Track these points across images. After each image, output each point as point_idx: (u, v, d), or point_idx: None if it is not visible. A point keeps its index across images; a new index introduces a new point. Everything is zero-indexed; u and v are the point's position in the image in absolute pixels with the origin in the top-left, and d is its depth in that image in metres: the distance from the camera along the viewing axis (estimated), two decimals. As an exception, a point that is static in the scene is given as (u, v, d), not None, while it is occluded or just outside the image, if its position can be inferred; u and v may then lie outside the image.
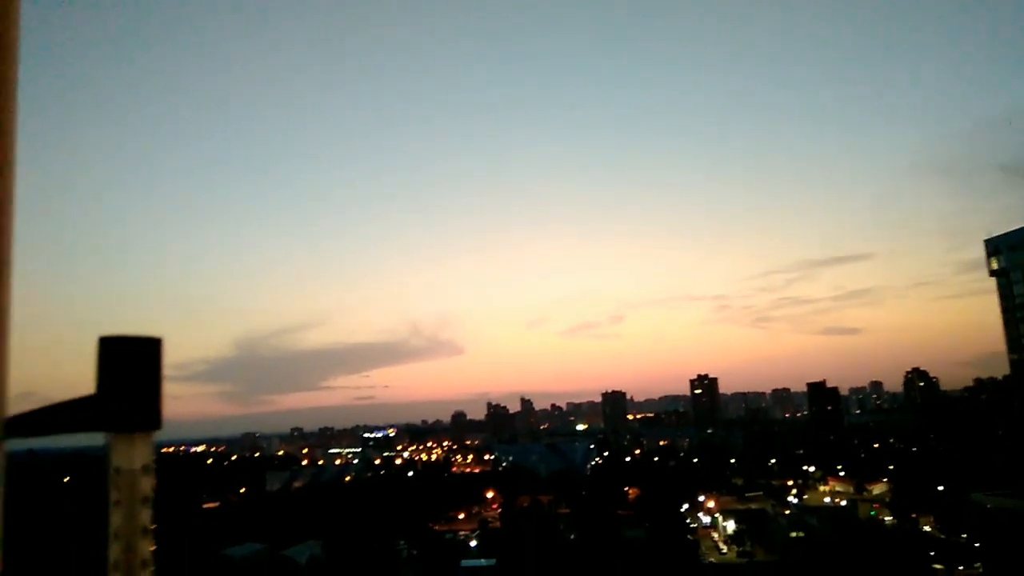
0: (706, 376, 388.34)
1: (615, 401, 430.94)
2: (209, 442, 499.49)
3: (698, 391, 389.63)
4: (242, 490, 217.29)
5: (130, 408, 2.31)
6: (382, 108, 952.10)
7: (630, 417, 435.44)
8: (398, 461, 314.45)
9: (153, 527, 2.38)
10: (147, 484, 2.37)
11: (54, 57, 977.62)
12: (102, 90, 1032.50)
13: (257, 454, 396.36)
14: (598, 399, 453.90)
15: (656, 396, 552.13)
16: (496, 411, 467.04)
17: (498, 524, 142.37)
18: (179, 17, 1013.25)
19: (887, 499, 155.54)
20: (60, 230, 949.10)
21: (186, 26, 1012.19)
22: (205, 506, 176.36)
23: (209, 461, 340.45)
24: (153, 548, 2.38)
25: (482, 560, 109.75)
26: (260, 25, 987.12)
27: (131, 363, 2.32)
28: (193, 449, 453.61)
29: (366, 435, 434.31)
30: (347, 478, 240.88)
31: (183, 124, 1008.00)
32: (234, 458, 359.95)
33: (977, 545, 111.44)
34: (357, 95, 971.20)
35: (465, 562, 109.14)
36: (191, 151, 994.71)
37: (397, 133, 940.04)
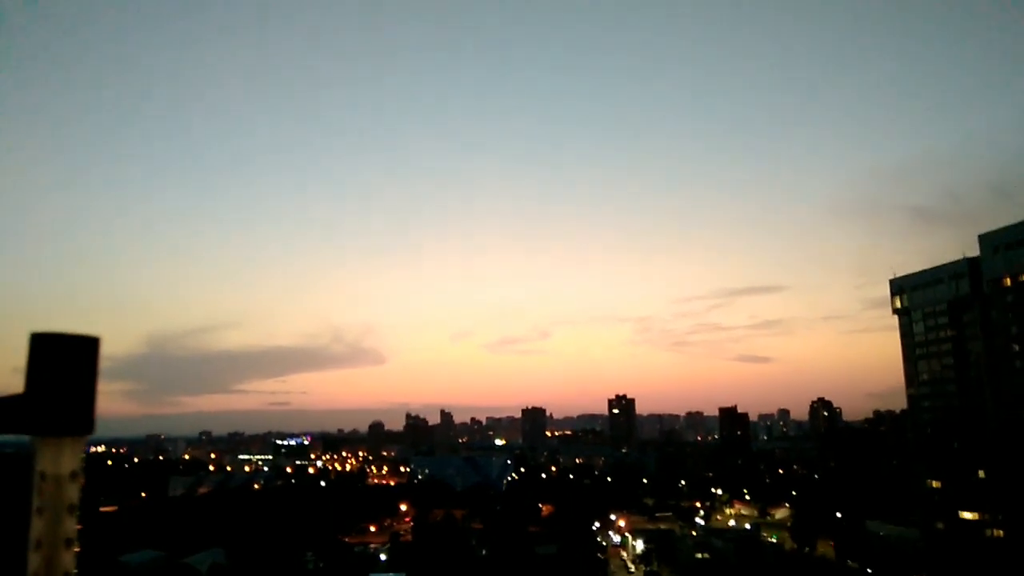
0: (624, 396, 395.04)
1: (535, 417, 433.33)
2: (110, 443, 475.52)
3: (616, 411, 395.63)
4: (143, 494, 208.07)
5: (61, 410, 2.16)
6: (315, 110, 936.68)
7: (548, 434, 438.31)
8: (311, 470, 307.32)
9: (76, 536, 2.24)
10: (74, 491, 2.22)
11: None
12: (27, 71, 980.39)
13: (161, 457, 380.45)
14: (518, 415, 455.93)
15: (575, 414, 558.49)
16: (415, 422, 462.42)
17: (410, 538, 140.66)
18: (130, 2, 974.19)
19: (789, 523, 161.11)
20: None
21: (127, 10, 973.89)
22: (102, 510, 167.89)
23: (109, 463, 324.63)
24: (75, 561, 2.22)
25: (391, 574, 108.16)
26: (191, 15, 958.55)
27: (65, 363, 2.17)
28: (92, 449, 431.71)
29: (279, 442, 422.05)
30: (256, 485, 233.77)
31: (102, 111, 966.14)
32: (136, 460, 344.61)
33: (869, 570, 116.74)
34: (287, 95, 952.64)
35: (374, 575, 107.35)
36: (111, 139, 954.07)
37: (328, 137, 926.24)
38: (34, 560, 2.15)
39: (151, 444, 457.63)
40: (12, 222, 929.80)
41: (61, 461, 2.19)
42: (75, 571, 2.21)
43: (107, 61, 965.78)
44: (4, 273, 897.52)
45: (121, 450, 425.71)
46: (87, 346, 2.24)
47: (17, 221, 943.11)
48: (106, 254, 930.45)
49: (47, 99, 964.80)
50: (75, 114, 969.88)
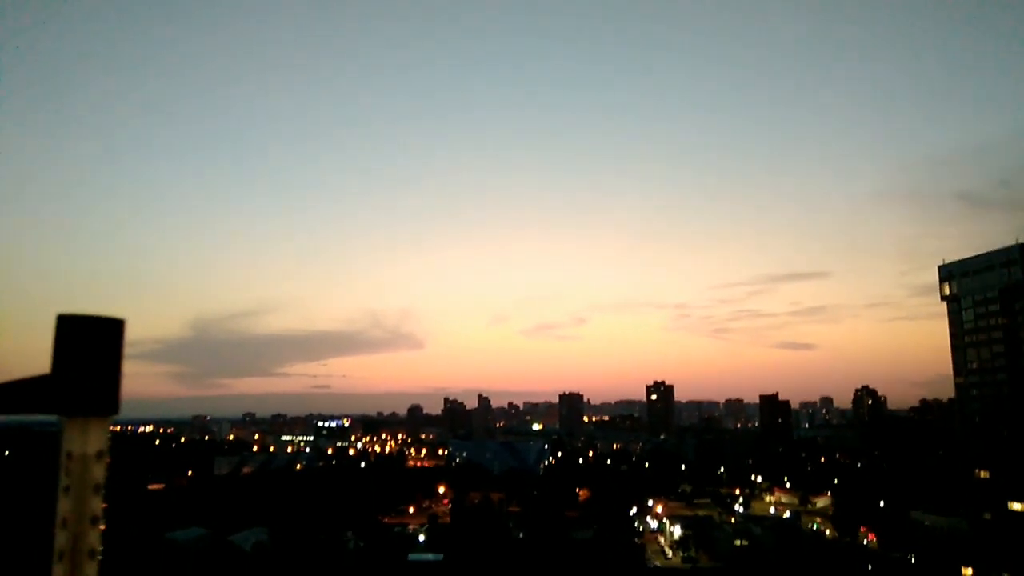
0: (662, 383, 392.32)
1: (572, 403, 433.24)
2: (158, 423, 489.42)
3: (653, 397, 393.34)
4: (189, 473, 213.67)
5: (87, 391, 2.18)
6: (354, 98, 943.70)
7: (585, 419, 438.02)
8: (351, 452, 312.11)
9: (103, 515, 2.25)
10: (100, 471, 2.25)
11: (6, 24, 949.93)
12: (61, 60, 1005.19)
13: (207, 437, 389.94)
14: (555, 400, 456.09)
15: (612, 400, 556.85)
16: (453, 406, 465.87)
17: (448, 519, 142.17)
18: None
19: (830, 512, 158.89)
20: (14, 205, 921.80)
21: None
22: (150, 488, 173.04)
23: (157, 442, 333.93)
24: (102, 538, 2.25)
25: (429, 555, 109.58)
26: (230, 4, 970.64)
27: (90, 344, 2.19)
28: (141, 429, 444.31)
29: (320, 424, 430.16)
30: (298, 466, 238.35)
31: (146, 99, 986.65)
32: (183, 440, 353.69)
33: (914, 560, 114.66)
34: (330, 83, 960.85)
35: (412, 556, 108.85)
36: (155, 128, 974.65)
37: (368, 123, 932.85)
38: (61, 537, 2.18)
39: (197, 425, 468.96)
40: (60, 210, 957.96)
41: (87, 441, 2.22)
42: (100, 548, 2.23)
43: (152, 41, 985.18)
44: (53, 260, 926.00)
45: (168, 430, 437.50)
46: (112, 328, 2.25)
47: (65, 209, 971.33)
48: (152, 241, 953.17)
49: (92, 81, 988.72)
50: (116, 96, 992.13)
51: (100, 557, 2.23)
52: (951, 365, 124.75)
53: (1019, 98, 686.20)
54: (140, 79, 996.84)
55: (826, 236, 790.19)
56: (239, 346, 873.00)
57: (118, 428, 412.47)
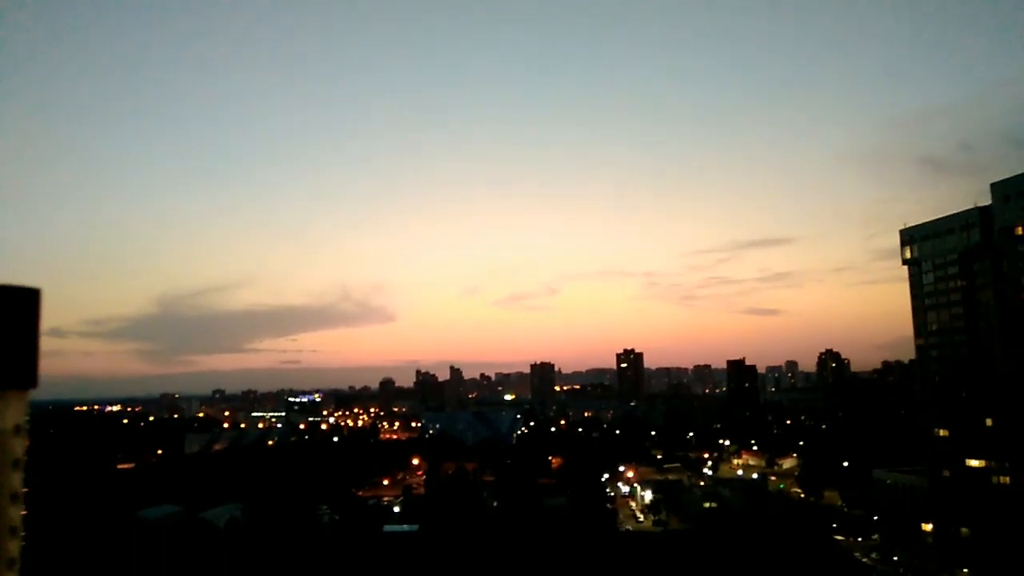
0: (632, 351, 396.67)
1: (543, 372, 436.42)
2: (125, 402, 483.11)
3: (624, 365, 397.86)
4: (159, 452, 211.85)
5: (2, 363, 2.08)
6: (322, 66, 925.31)
7: (557, 388, 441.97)
8: (324, 426, 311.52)
9: (24, 491, 2.15)
10: (19, 446, 2.17)
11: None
12: (24, 30, 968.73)
13: (176, 416, 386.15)
14: (527, 370, 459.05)
15: (583, 369, 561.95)
16: (425, 379, 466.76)
17: (422, 491, 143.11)
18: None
19: (796, 473, 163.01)
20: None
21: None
22: (120, 467, 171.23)
23: (125, 421, 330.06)
24: (23, 513, 2.17)
25: (405, 526, 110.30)
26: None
27: (4, 315, 2.09)
28: (108, 408, 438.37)
29: (291, 399, 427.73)
30: (270, 442, 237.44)
31: (114, 77, 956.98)
32: (151, 419, 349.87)
33: (876, 518, 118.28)
34: (294, 51, 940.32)
35: (388, 527, 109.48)
36: (121, 104, 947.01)
37: (335, 98, 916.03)
38: None
39: (165, 403, 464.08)
40: (24, 184, 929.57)
41: (5, 415, 2.13)
42: (21, 526, 2.16)
43: (128, 22, 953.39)
44: (15, 235, 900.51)
45: (136, 409, 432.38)
46: (27, 297, 2.14)
47: (28, 183, 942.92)
48: (115, 216, 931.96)
49: (66, 62, 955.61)
50: (89, 76, 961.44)
51: (21, 535, 2.15)
52: (912, 328, 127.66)
53: (980, 61, 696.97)
54: (106, 55, 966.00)
55: (792, 201, 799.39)
56: (207, 322, 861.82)
57: (84, 408, 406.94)
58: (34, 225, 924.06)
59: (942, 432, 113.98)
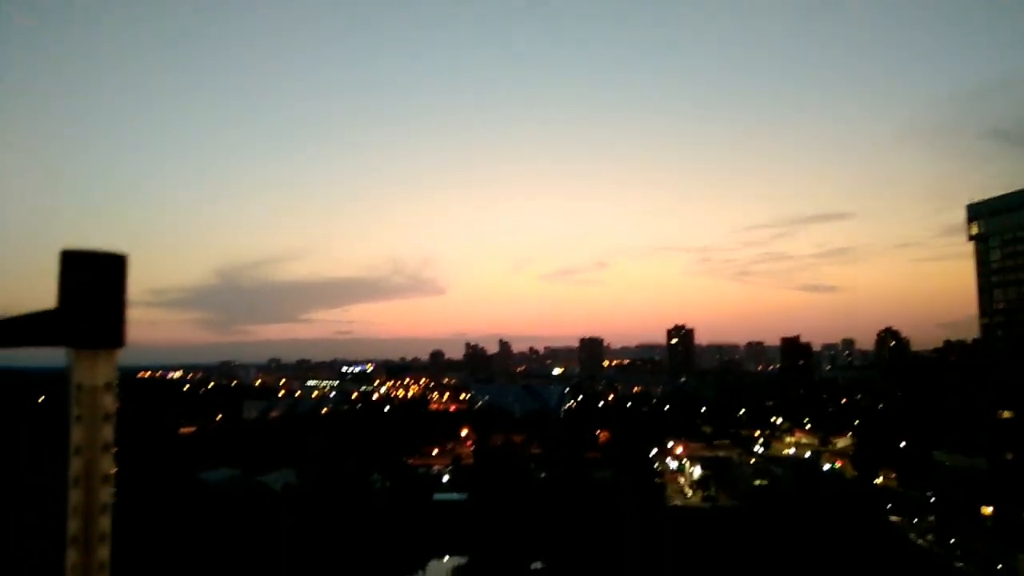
0: (683, 326, 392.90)
1: (592, 347, 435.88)
2: (187, 368, 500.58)
3: (674, 341, 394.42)
4: (219, 417, 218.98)
5: (93, 324, 2.27)
6: (373, 41, 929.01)
7: (606, 364, 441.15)
8: (375, 396, 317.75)
9: (115, 446, 2.34)
10: (109, 401, 2.35)
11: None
12: (85, 8, 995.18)
13: (234, 383, 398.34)
14: (575, 344, 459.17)
15: (633, 344, 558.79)
16: (474, 351, 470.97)
17: (471, 461, 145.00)
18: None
19: (850, 453, 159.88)
20: (44, 156, 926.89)
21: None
22: (182, 431, 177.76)
23: (186, 387, 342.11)
24: (115, 465, 2.36)
25: (454, 494, 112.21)
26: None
27: (94, 278, 2.26)
28: (170, 375, 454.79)
29: (344, 369, 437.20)
30: (324, 410, 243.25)
31: (169, 45, 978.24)
32: (211, 385, 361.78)
33: (933, 500, 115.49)
34: (349, 26, 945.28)
35: (438, 495, 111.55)
36: (178, 75, 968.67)
37: (387, 68, 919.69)
38: (76, 464, 2.30)
39: (224, 370, 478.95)
40: (89, 161, 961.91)
41: (96, 373, 2.31)
42: (113, 473, 2.36)
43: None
44: (83, 210, 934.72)
45: (197, 375, 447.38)
46: (115, 263, 2.32)
47: (94, 159, 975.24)
48: (178, 191, 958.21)
49: (118, 29, 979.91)
50: (151, 51, 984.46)
51: (113, 484, 2.36)
52: (976, 306, 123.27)
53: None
54: (168, 27, 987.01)
55: (851, 176, 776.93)
56: (263, 293, 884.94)
57: (148, 374, 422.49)
58: (100, 198, 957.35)
59: (1006, 414, 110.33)
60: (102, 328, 2.27)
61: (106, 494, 2.31)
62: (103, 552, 2.37)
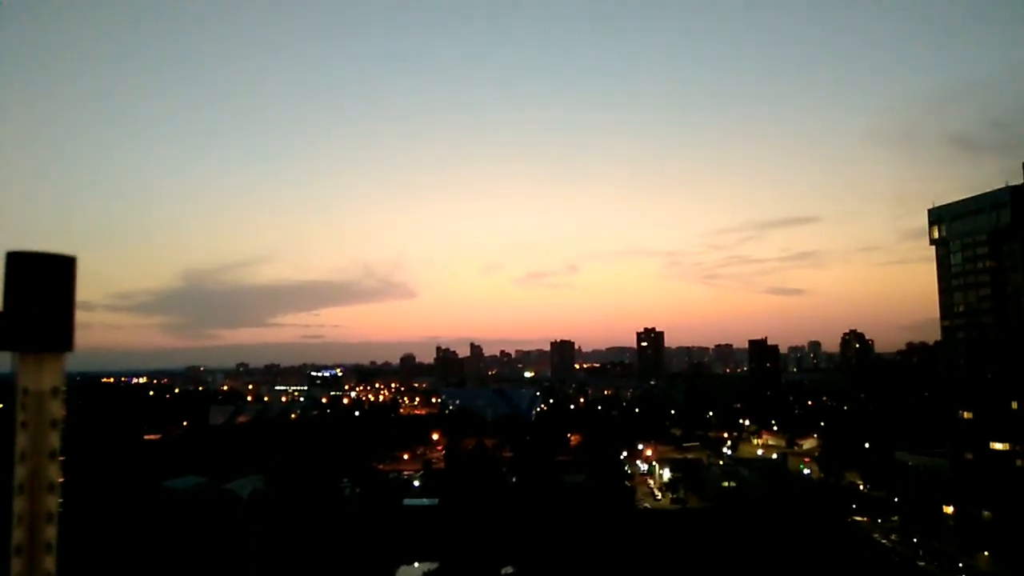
0: (652, 330, 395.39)
1: (563, 350, 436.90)
2: (152, 374, 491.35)
3: (644, 344, 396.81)
4: (185, 423, 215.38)
5: (39, 327, 2.19)
6: (341, 45, 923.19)
7: (577, 366, 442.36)
8: (345, 401, 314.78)
9: (60, 452, 2.29)
10: (56, 407, 2.29)
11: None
12: (50, 13, 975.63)
13: (201, 388, 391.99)
14: (547, 347, 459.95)
15: (603, 347, 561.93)
16: (445, 355, 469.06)
17: (442, 465, 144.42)
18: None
19: (816, 454, 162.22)
20: (8, 159, 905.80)
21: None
22: (146, 438, 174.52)
23: (151, 393, 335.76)
24: (61, 473, 2.31)
25: (424, 499, 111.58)
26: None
27: (41, 281, 2.20)
28: (135, 380, 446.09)
29: (313, 374, 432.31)
30: (293, 415, 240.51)
31: (139, 49, 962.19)
32: (177, 391, 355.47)
33: (897, 499, 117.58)
34: (316, 30, 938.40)
35: (408, 501, 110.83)
36: (145, 81, 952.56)
37: (356, 71, 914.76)
38: (20, 471, 2.24)
39: (191, 376, 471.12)
40: (50, 161, 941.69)
41: (42, 377, 2.24)
42: (59, 482, 2.29)
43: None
44: (44, 211, 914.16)
45: (163, 381, 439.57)
46: (63, 264, 2.25)
47: (55, 161, 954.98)
48: (142, 192, 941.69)
49: (82, 34, 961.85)
50: (115, 52, 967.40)
51: (59, 492, 2.29)
52: (938, 309, 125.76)
53: (1011, 37, 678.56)
54: (138, 30, 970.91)
55: (816, 180, 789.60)
56: (232, 297, 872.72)
57: (112, 380, 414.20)
58: (62, 201, 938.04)
59: (966, 414, 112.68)
60: (48, 331, 2.20)
61: (52, 502, 2.25)
62: (48, 562, 2.30)
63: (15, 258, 2.20)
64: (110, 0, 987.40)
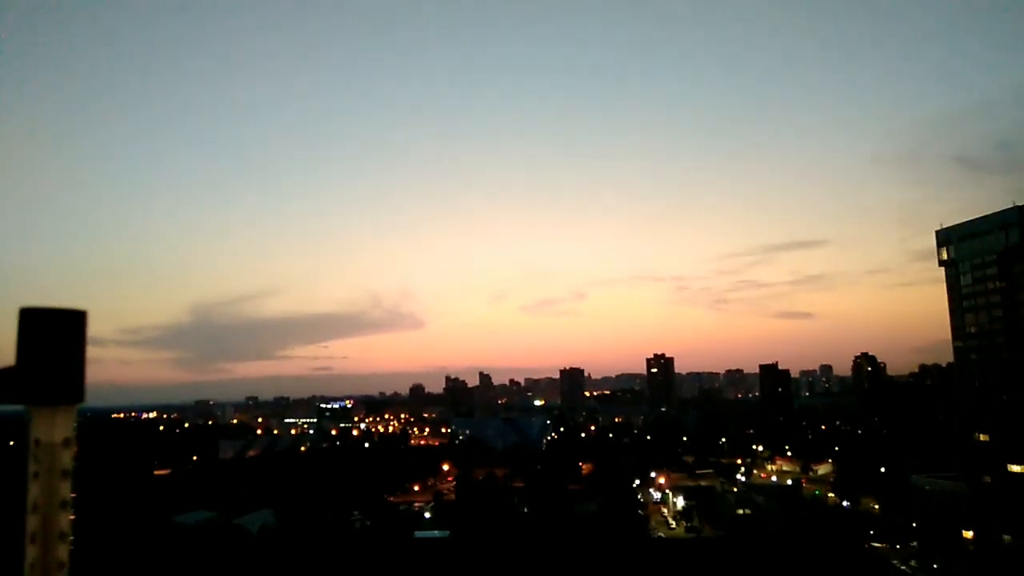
0: (662, 355, 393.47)
1: (573, 378, 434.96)
2: (162, 409, 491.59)
3: (654, 370, 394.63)
4: (195, 458, 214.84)
5: (51, 381, 2.27)
6: (348, 76, 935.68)
7: (587, 394, 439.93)
8: (355, 432, 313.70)
9: (73, 497, 2.35)
10: (67, 457, 2.35)
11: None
12: (56, 53, 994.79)
13: (211, 422, 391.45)
14: (556, 375, 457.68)
15: (613, 374, 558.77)
16: (454, 385, 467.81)
17: (453, 496, 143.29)
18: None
19: (831, 479, 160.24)
20: (14, 198, 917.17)
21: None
22: (156, 473, 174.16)
23: (161, 428, 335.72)
24: (72, 520, 2.35)
25: (436, 531, 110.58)
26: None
27: (53, 335, 2.27)
28: (145, 415, 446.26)
29: (323, 406, 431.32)
30: (302, 448, 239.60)
31: (140, 88, 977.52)
32: (187, 426, 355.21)
33: (914, 524, 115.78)
34: (321, 59, 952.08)
35: (419, 533, 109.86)
36: (149, 115, 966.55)
37: (362, 103, 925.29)
38: (32, 522, 2.29)
39: (200, 410, 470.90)
40: (59, 198, 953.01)
41: (54, 429, 2.31)
42: (70, 531, 2.35)
43: (147, 34, 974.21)
44: (53, 248, 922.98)
45: (173, 416, 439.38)
46: (74, 319, 2.33)
47: (63, 198, 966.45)
48: (149, 228, 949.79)
49: (83, 71, 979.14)
50: (113, 86, 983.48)
51: (70, 540, 2.34)
52: (950, 330, 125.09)
53: (1017, 58, 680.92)
54: (133, 70, 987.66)
55: (824, 203, 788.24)
56: (240, 330, 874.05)
57: (122, 415, 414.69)
58: (71, 238, 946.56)
59: (982, 437, 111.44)
60: (60, 385, 2.27)
61: (63, 551, 2.30)
62: (60, 610, 2.38)
63: (28, 314, 2.27)
64: (111, 40, 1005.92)
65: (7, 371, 2.26)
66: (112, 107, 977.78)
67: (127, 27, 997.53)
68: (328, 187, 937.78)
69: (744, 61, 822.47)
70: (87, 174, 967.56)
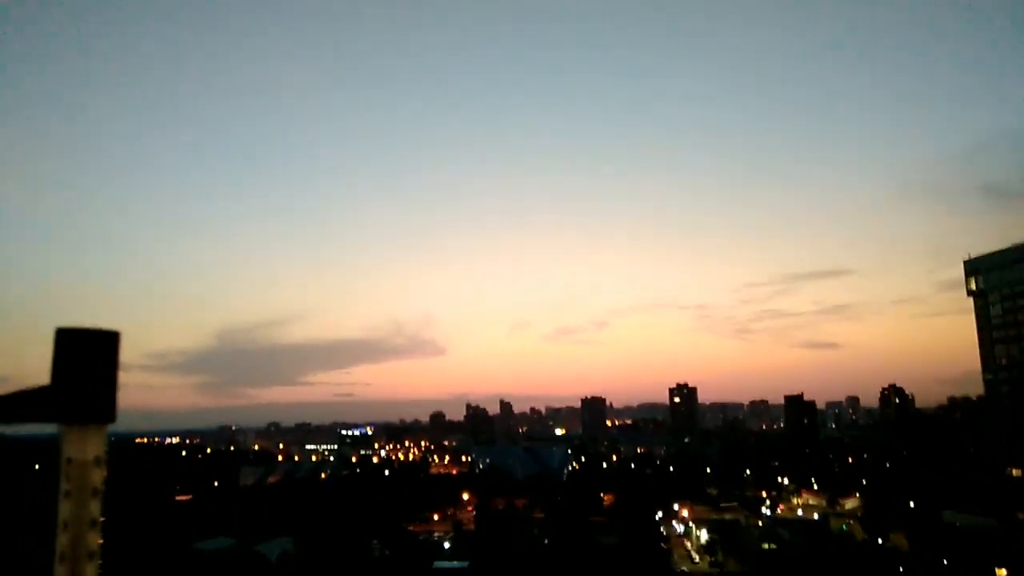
0: (685, 385, 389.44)
1: (594, 407, 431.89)
2: (184, 434, 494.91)
3: (677, 400, 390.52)
4: (216, 483, 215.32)
5: (84, 400, 2.32)
6: (372, 104, 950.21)
7: (609, 423, 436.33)
8: (375, 459, 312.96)
9: (102, 519, 2.39)
10: (98, 476, 2.40)
11: (18, 35, 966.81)
12: (74, 74, 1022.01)
13: (232, 448, 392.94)
14: (577, 404, 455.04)
15: (635, 403, 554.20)
16: (475, 412, 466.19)
17: (472, 526, 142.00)
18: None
19: (859, 514, 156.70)
20: (38, 223, 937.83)
21: (167, 12, 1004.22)
22: (178, 498, 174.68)
23: (183, 453, 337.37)
24: (101, 540, 2.39)
25: (455, 562, 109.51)
26: (248, 17, 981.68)
27: (87, 355, 2.33)
28: (168, 440, 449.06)
29: (344, 432, 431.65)
30: (323, 475, 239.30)
31: (163, 111, 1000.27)
32: (209, 451, 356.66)
33: (946, 562, 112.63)
34: (347, 90, 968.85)
35: (438, 563, 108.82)
36: (173, 140, 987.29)
37: (385, 130, 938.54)
38: (62, 540, 2.32)
39: (223, 435, 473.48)
40: (83, 226, 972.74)
41: (86, 448, 2.35)
42: (99, 551, 2.37)
43: (171, 53, 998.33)
44: (80, 274, 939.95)
45: (195, 441, 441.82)
46: (108, 340, 2.37)
47: (88, 225, 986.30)
48: (174, 254, 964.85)
49: (108, 94, 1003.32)
50: (141, 110, 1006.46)
51: (99, 559, 2.37)
52: (979, 361, 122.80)
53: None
54: (157, 91, 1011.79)
55: (849, 233, 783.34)
56: (263, 356, 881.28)
57: (145, 440, 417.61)
58: (98, 265, 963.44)
59: (1015, 472, 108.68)
60: (93, 404, 2.31)
61: (91, 571, 2.32)
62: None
63: (63, 334, 2.32)
64: (143, 65, 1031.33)
65: (42, 390, 2.30)
66: (133, 130, 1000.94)
67: (148, 41, 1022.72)
68: (351, 215, 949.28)
69: (771, 90, 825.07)
70: (112, 200, 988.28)
